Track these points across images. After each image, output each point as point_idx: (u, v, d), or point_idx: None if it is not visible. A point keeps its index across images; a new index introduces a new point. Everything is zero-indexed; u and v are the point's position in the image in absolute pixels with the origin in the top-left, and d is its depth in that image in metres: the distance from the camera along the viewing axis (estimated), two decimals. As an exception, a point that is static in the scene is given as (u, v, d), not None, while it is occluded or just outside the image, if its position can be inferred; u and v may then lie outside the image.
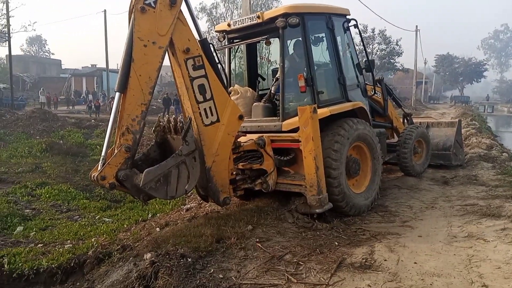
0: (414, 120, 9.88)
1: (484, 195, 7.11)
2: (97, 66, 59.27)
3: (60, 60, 72.83)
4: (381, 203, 6.96)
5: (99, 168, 4.66)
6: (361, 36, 7.91)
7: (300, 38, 6.37)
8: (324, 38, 6.78)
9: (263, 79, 7.63)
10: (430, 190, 7.86)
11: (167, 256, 4.26)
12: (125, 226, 7.06)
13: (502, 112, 60.98)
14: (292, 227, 5.55)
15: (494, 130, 26.04)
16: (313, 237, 5.22)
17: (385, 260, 4.43)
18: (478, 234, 5.11)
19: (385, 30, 49.63)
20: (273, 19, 6.12)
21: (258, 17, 6.29)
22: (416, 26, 47.10)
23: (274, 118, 6.41)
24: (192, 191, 6.05)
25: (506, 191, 7.19)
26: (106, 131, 4.89)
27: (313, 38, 6.60)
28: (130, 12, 4.81)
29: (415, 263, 4.37)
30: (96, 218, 8.36)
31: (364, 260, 4.42)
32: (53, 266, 4.99)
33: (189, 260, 4.27)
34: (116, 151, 4.65)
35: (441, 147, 9.74)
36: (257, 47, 7.59)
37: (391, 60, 51.67)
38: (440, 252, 4.65)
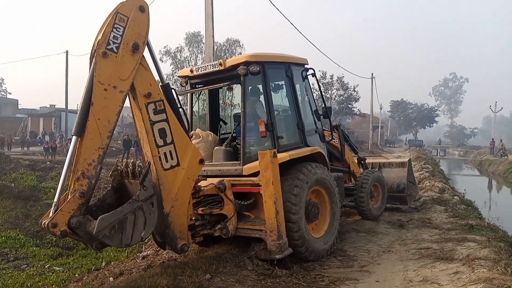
0: (366, 161, 10.14)
1: (438, 238, 7.32)
2: (56, 106, 57.86)
3: (17, 100, 70.48)
4: (340, 247, 7.01)
5: (50, 214, 4.46)
6: (318, 84, 8.24)
7: (261, 85, 6.56)
8: (284, 86, 7.01)
9: (225, 123, 7.72)
10: (387, 233, 8.02)
11: (120, 309, 4.06)
12: (77, 275, 6.71)
13: (454, 156, 64.08)
14: (251, 274, 5.46)
15: (446, 173, 27.19)
16: (272, 285, 5.15)
17: (344, 307, 4.42)
18: (432, 278, 5.22)
19: (343, 76, 51.88)
20: (234, 67, 6.29)
21: (220, 64, 6.45)
22: (372, 73, 49.46)
23: (235, 162, 6.44)
24: (149, 238, 5.88)
25: (458, 234, 7.45)
26: (61, 175, 4.74)
27: (273, 86, 6.82)
28: (92, 56, 4.81)
29: (373, 309, 4.38)
30: (46, 267, 7.93)
31: (323, 308, 4.39)
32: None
33: (143, 312, 4.08)
34: (69, 196, 4.49)
35: (395, 189, 10.06)
36: (220, 91, 7.73)
37: (349, 105, 53.74)
38: (397, 297, 4.70)
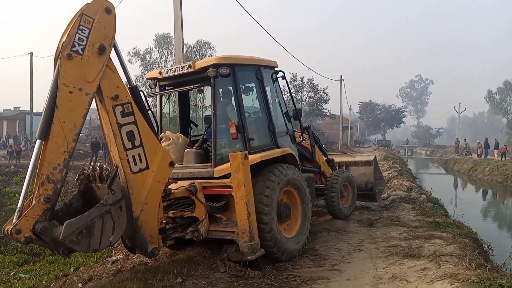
0: (331, 158, 10.24)
1: (406, 236, 7.50)
2: (20, 109, 55.91)
3: (-22, 102, 67.77)
4: (312, 246, 7.08)
5: (14, 220, 4.32)
6: (288, 86, 8.33)
7: (231, 88, 6.56)
8: (254, 88, 7.05)
9: (196, 125, 7.67)
10: (357, 232, 8.16)
11: (88, 316, 3.97)
12: (44, 282, 6.51)
13: (421, 155, 65.91)
14: (224, 276, 5.45)
15: (414, 172, 27.94)
16: (245, 286, 5.16)
17: (315, 306, 4.47)
18: (401, 275, 5.35)
19: (313, 79, 52.47)
20: (204, 69, 6.26)
21: (190, 66, 6.41)
22: (341, 76, 50.41)
23: (206, 164, 6.41)
24: (118, 242, 5.77)
25: (425, 231, 7.66)
26: (25, 180, 4.59)
27: (243, 88, 6.83)
28: (56, 59, 4.69)
29: (344, 307, 4.45)
30: (11, 274, 7.66)
31: (295, 308, 4.42)
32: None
33: (113, 318, 4.00)
34: (34, 201, 4.36)
35: (364, 188, 10.28)
36: (190, 93, 7.67)
37: (319, 107, 54.40)
38: (367, 295, 4.79)
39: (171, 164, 5.55)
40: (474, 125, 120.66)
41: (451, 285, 4.65)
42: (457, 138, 54.63)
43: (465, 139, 49.83)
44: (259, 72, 6.90)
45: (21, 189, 4.49)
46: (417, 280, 5.12)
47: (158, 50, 49.85)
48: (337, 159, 10.40)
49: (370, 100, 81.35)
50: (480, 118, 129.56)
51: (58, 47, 4.68)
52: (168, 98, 7.54)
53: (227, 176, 5.87)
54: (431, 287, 4.79)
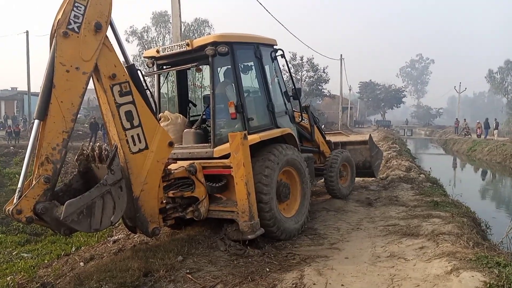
0: (327, 137, 10.22)
1: (404, 215, 7.56)
2: (18, 89, 55.58)
3: (-25, 82, 67.33)
4: (311, 226, 7.14)
5: (14, 201, 4.32)
6: (288, 65, 8.22)
7: (230, 66, 6.48)
8: (253, 67, 6.96)
9: (194, 105, 7.62)
10: (356, 211, 8.21)
11: (90, 294, 4.02)
12: (46, 261, 6.57)
13: (420, 135, 65.98)
14: (224, 255, 5.50)
15: (413, 153, 27.98)
16: (245, 265, 5.20)
17: (314, 284, 4.53)
18: (399, 254, 5.40)
19: (313, 58, 52.07)
20: (202, 47, 6.18)
21: (188, 44, 6.32)
22: (341, 55, 49.91)
23: (205, 144, 6.39)
24: (119, 222, 5.80)
25: (423, 211, 7.71)
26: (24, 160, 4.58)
27: (242, 67, 6.75)
28: (52, 37, 4.61)
29: (342, 285, 4.51)
30: (13, 254, 7.73)
31: (294, 285, 4.48)
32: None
33: (114, 296, 4.05)
34: (34, 182, 4.36)
35: (362, 166, 10.41)
36: (189, 73, 7.59)
37: (319, 87, 54.14)
38: (365, 273, 4.85)
39: (170, 144, 5.54)
40: (474, 105, 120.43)
41: (448, 263, 4.70)
42: (456, 118, 54.51)
43: (465, 119, 49.76)
44: (258, 50, 6.81)
45: (21, 169, 4.48)
46: (415, 258, 5.17)
47: (156, 29, 49.32)
48: (332, 138, 10.37)
49: (370, 80, 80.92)
50: (480, 98, 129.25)
51: (53, 25, 4.59)
52: (166, 78, 7.47)
53: (226, 156, 5.86)
54: (429, 265, 4.84)
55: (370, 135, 11.17)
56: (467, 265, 4.46)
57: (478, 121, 41.87)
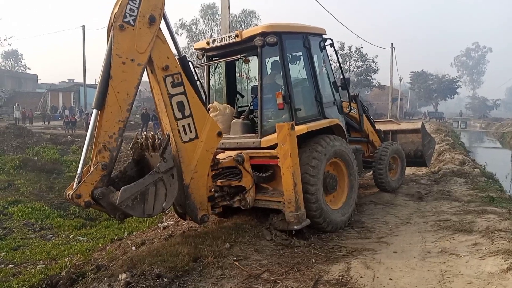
0: (377, 126, 9.96)
1: (457, 210, 7.27)
2: (74, 81, 58.51)
3: (36, 75, 71.57)
4: (358, 219, 7.04)
5: (74, 186, 4.58)
6: (337, 54, 8.08)
7: (278, 57, 6.48)
8: (301, 57, 6.91)
9: (242, 96, 7.70)
10: (405, 205, 8.00)
11: (143, 277, 4.21)
12: (100, 245, 6.93)
13: (475, 128, 62.81)
14: (270, 244, 5.56)
15: (467, 146, 26.73)
16: (290, 255, 5.23)
17: (361, 277, 4.48)
18: (451, 250, 5.22)
19: (362, 47, 50.96)
20: (251, 38, 6.21)
21: (237, 35, 6.37)
22: (392, 44, 48.46)
23: (252, 135, 6.45)
24: (169, 209, 6.00)
25: (477, 206, 7.38)
26: (83, 148, 4.84)
27: (290, 57, 6.72)
28: (109, 30, 4.81)
29: (390, 279, 4.43)
30: (70, 237, 8.18)
31: (340, 277, 4.46)
32: None
33: (165, 280, 4.22)
34: (92, 168, 4.60)
35: (413, 155, 10.12)
36: (236, 64, 7.67)
37: (368, 77, 52.86)
38: (415, 268, 4.73)
39: (219, 134, 5.64)
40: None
41: (504, 261, 4.49)
42: (516, 110, 51.34)
43: (525, 111, 46.78)
44: (306, 40, 6.75)
45: (78, 158, 4.75)
46: (468, 255, 4.98)
47: (204, 21, 50.05)
48: (382, 126, 10.10)
49: (422, 70, 77.83)
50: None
51: (110, 18, 4.79)
52: (215, 69, 7.58)
53: (273, 146, 5.89)
54: (483, 263, 4.65)
55: (422, 123, 10.81)
56: (526, 264, 4.24)
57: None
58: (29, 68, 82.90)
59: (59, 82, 63.21)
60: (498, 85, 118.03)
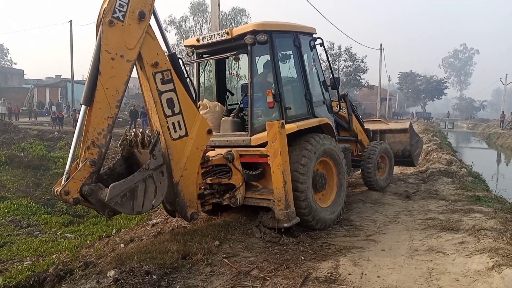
0: (365, 125, 10.02)
1: (444, 209, 7.36)
2: (61, 77, 57.79)
3: (23, 70, 70.55)
4: (346, 217, 7.09)
5: (62, 182, 4.55)
6: (327, 54, 8.11)
7: (268, 55, 6.48)
8: (292, 56, 6.93)
9: (232, 94, 7.69)
10: (393, 204, 8.07)
11: (131, 273, 4.19)
12: (88, 242, 6.86)
13: (462, 129, 63.58)
14: (259, 242, 5.58)
15: (454, 146, 27.04)
16: (279, 252, 5.25)
17: (350, 274, 4.52)
18: (438, 248, 5.29)
19: (351, 47, 51.20)
20: (241, 36, 6.20)
21: (227, 33, 6.36)
22: (381, 44, 48.62)
23: (242, 133, 6.45)
24: (158, 206, 5.98)
25: (464, 205, 7.48)
26: (71, 144, 4.79)
27: (280, 55, 6.74)
28: (98, 25, 4.77)
29: (378, 276, 4.47)
30: (58, 233, 8.08)
31: (329, 275, 4.49)
32: (11, 285, 4.78)
33: (154, 277, 4.20)
34: (80, 165, 4.56)
35: (401, 155, 10.22)
36: (226, 62, 7.65)
37: (357, 77, 53.17)
38: (402, 265, 4.79)
39: (209, 131, 5.63)
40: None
41: (490, 259, 4.56)
42: (502, 111, 52.09)
43: (511, 113, 47.47)
44: (297, 39, 6.76)
45: (65, 154, 4.71)
46: (455, 253, 5.05)
47: (193, 18, 49.86)
48: (371, 126, 10.18)
49: (411, 71, 78.54)
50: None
51: (99, 14, 4.75)
52: (205, 67, 7.56)
53: (263, 144, 5.90)
54: (469, 260, 4.72)
55: (410, 122, 10.92)
56: (510, 262, 4.32)
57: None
58: (15, 63, 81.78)
59: (46, 77, 62.34)
60: (485, 87, 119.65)
